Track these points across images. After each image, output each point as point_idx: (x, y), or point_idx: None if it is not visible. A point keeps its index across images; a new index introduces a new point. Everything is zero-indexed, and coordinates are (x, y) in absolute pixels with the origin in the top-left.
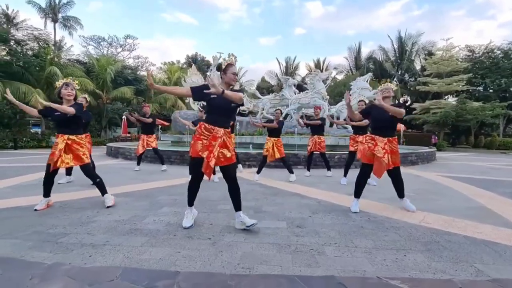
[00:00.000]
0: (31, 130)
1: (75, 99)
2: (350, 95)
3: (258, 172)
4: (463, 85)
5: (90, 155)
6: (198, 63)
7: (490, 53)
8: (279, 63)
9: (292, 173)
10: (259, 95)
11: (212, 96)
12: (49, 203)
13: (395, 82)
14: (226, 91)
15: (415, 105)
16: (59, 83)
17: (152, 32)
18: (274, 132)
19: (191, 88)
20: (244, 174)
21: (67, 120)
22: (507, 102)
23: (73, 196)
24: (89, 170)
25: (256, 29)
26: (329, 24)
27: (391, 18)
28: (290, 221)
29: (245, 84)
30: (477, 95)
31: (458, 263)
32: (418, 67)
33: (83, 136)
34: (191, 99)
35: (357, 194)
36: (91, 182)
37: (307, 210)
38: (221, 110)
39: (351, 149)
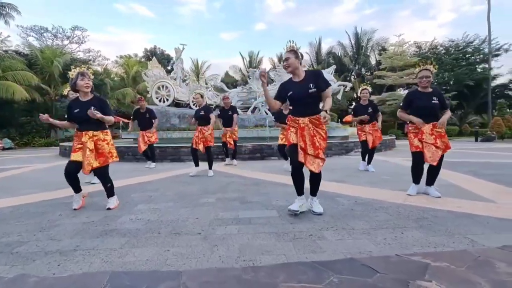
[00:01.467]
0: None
1: (92, 91)
2: None
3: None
4: (414, 78)
5: None
6: (157, 56)
7: (434, 49)
8: (242, 57)
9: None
10: (226, 88)
11: (290, 93)
12: (84, 195)
13: (353, 76)
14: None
15: (373, 97)
16: (72, 73)
17: (104, 24)
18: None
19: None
20: (220, 167)
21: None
22: (451, 94)
23: (27, 200)
24: (105, 172)
25: (217, 23)
26: (289, 20)
27: (346, 16)
28: (280, 209)
29: (209, 78)
30: None
31: (452, 236)
32: (373, 61)
33: (107, 131)
34: (153, 93)
35: (416, 180)
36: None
37: (292, 198)
38: (299, 99)
39: (362, 138)
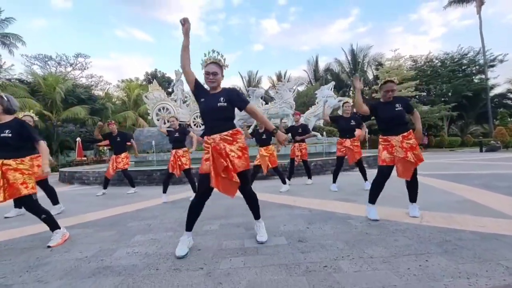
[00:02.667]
0: None
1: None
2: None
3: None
4: (412, 91)
5: (46, 180)
6: (158, 79)
7: (430, 62)
8: (241, 77)
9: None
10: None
11: (201, 100)
12: None
13: (352, 92)
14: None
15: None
16: None
17: (106, 50)
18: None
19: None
20: None
21: (7, 139)
22: (450, 105)
23: (16, 234)
24: (32, 202)
25: (215, 46)
26: (285, 40)
27: (340, 34)
28: (288, 235)
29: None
30: (424, 100)
31: (484, 263)
32: (371, 76)
33: (27, 159)
34: (154, 115)
35: (373, 200)
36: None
37: (302, 221)
38: (209, 113)
39: (339, 154)
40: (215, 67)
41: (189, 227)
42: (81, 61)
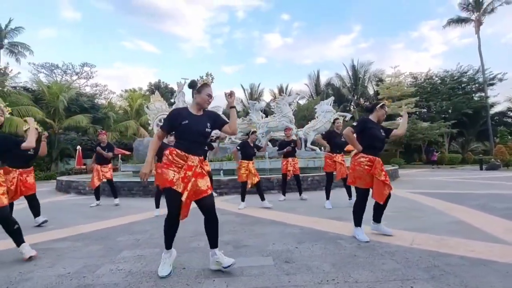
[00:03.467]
0: None
1: (1, 126)
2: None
3: (242, 200)
4: (412, 108)
5: (34, 194)
6: (161, 90)
7: (430, 79)
8: (243, 90)
9: (264, 199)
10: (227, 120)
11: (183, 122)
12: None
13: (352, 106)
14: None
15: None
16: None
17: (112, 60)
18: (251, 156)
19: (162, 128)
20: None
21: None
22: (450, 122)
23: (1, 246)
24: (3, 214)
25: (219, 58)
26: (288, 54)
27: (342, 49)
28: (276, 256)
29: (211, 110)
30: (425, 116)
31: None
32: (371, 92)
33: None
34: (155, 125)
35: (359, 222)
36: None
37: (292, 240)
38: (194, 135)
39: (329, 169)
40: (211, 90)
41: (168, 245)
42: (86, 70)
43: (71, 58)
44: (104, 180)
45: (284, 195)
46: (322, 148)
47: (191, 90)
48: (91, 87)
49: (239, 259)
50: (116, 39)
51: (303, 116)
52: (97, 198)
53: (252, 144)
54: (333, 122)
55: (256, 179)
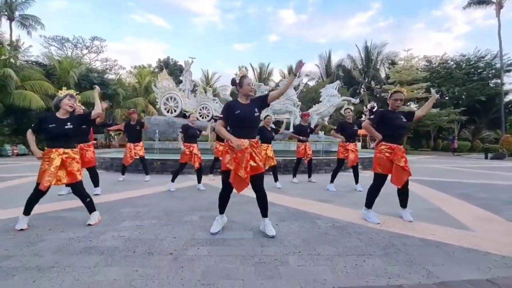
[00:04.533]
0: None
1: (73, 111)
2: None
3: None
4: (423, 93)
5: (95, 166)
6: (170, 67)
7: (444, 64)
8: (253, 69)
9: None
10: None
11: (236, 112)
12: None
13: (363, 89)
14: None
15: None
16: (61, 93)
17: (122, 34)
18: (269, 139)
19: (223, 119)
20: (214, 182)
21: (64, 132)
22: (460, 109)
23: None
24: (80, 188)
25: (230, 34)
26: (302, 32)
27: (359, 28)
28: (256, 231)
29: (219, 89)
30: (436, 102)
31: (412, 266)
32: (383, 75)
33: (77, 149)
34: (162, 104)
35: (370, 204)
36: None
37: (275, 218)
38: (245, 122)
39: (341, 156)
40: (250, 79)
41: (221, 210)
42: (97, 44)
43: (81, 31)
44: (137, 157)
45: (295, 176)
46: (322, 132)
47: (232, 84)
48: (101, 61)
49: (225, 232)
50: (126, 12)
51: (311, 98)
52: (123, 173)
53: (269, 128)
54: (344, 111)
55: (273, 163)
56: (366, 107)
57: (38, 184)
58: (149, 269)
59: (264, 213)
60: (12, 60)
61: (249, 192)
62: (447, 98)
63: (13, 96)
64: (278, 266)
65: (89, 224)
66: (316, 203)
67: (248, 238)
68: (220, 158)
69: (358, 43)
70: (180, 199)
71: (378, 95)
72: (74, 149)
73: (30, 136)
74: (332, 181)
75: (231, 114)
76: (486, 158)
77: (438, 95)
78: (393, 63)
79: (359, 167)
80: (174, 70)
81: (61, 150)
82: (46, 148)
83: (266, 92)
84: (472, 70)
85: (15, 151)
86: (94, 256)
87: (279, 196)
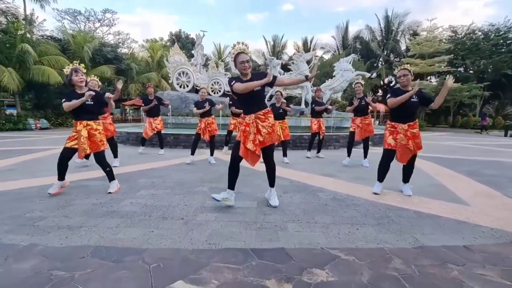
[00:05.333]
0: (6, 112)
1: (86, 84)
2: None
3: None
4: (444, 66)
5: (114, 136)
6: (182, 40)
7: (471, 34)
8: (266, 41)
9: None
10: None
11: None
12: (64, 185)
13: (381, 62)
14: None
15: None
16: (66, 70)
17: (132, 6)
18: (280, 115)
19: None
20: (228, 155)
21: (86, 107)
22: (483, 84)
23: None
24: (102, 158)
25: (243, 4)
26: (318, 0)
27: None
28: (260, 201)
29: (231, 63)
30: (457, 75)
31: (401, 235)
32: (403, 47)
33: (100, 121)
34: (174, 79)
35: (381, 178)
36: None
37: (279, 190)
38: (246, 98)
39: (352, 129)
40: (246, 56)
41: (231, 186)
42: (108, 17)
43: (92, 3)
44: (156, 131)
45: (310, 150)
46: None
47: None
48: (113, 35)
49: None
50: None
51: (325, 72)
52: (143, 144)
53: (278, 105)
54: (353, 86)
55: (283, 138)
56: (383, 81)
57: (65, 148)
58: (163, 230)
59: (271, 183)
60: (28, 35)
61: (258, 165)
62: (471, 71)
63: (32, 72)
64: (278, 231)
65: (109, 192)
66: (320, 177)
67: (252, 207)
68: (234, 132)
69: (378, 12)
70: (192, 172)
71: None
72: (96, 121)
73: (67, 104)
74: (348, 155)
75: (232, 92)
76: (505, 135)
77: (453, 80)
78: (414, 34)
79: (369, 143)
80: (186, 44)
81: (85, 122)
82: (74, 121)
83: (278, 68)
84: (501, 41)
85: (38, 125)
86: (115, 219)
87: (285, 170)
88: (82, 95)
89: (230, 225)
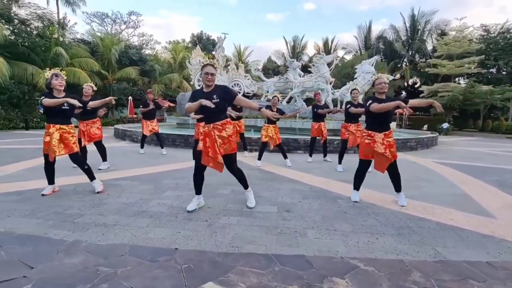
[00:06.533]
0: (40, 111)
1: (65, 90)
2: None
3: (259, 159)
4: (474, 67)
5: (101, 140)
6: (203, 42)
7: (506, 33)
8: (286, 42)
9: (287, 158)
10: (263, 77)
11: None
12: (54, 190)
13: (405, 63)
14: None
15: (423, 87)
16: (47, 75)
17: (156, 8)
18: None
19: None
20: (247, 159)
21: (61, 111)
22: None
23: (85, 179)
24: (77, 158)
25: (263, 4)
26: None
27: None
28: (281, 206)
29: (251, 64)
30: (489, 77)
31: (422, 246)
32: (429, 47)
33: (73, 125)
34: (196, 80)
35: (357, 187)
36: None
37: (298, 196)
38: (204, 109)
39: (344, 137)
40: (212, 69)
41: (198, 192)
42: (133, 19)
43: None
44: (153, 132)
45: (311, 156)
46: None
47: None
48: (138, 37)
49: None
50: None
51: (346, 74)
52: (142, 146)
53: (274, 109)
54: (350, 93)
55: (277, 142)
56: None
57: (45, 155)
58: (189, 231)
59: (244, 186)
60: (61, 38)
61: (275, 169)
62: (504, 73)
63: (64, 73)
64: (297, 237)
65: (98, 192)
66: (338, 183)
67: (272, 212)
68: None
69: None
70: (214, 174)
71: (422, 70)
72: (70, 125)
73: (48, 101)
74: (339, 162)
75: (192, 102)
76: None
77: (440, 109)
78: (442, 34)
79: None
80: (207, 45)
81: (58, 126)
82: (45, 123)
83: (298, 70)
84: None
85: None
86: (145, 218)
87: (304, 175)
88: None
89: (251, 229)
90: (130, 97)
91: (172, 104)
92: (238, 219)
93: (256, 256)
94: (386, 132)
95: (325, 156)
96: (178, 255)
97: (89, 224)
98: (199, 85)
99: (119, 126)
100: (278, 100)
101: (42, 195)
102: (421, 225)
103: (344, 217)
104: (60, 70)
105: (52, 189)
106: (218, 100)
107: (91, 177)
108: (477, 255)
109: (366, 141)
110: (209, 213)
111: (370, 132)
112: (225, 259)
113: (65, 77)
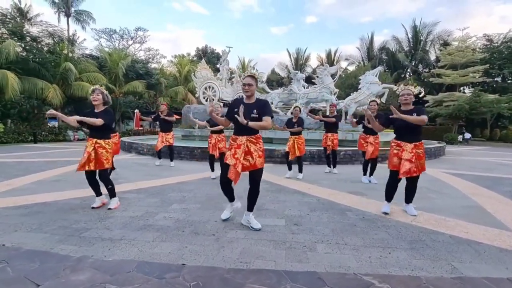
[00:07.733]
0: (49, 124)
1: (105, 103)
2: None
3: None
4: (479, 77)
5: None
6: (208, 55)
7: (509, 42)
8: (289, 54)
9: (301, 172)
10: (268, 89)
11: (235, 109)
12: (103, 201)
13: (408, 73)
14: (250, 123)
15: (428, 97)
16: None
17: (163, 23)
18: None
19: (226, 116)
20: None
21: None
22: None
23: (91, 193)
24: (106, 175)
25: (267, 17)
26: (343, 12)
27: (409, 2)
28: (288, 219)
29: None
30: (494, 86)
31: (437, 261)
32: (432, 57)
33: (110, 140)
34: (201, 93)
35: (388, 198)
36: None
37: (306, 208)
38: (237, 121)
39: (362, 148)
40: (249, 79)
41: (231, 199)
42: (140, 34)
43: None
44: (166, 144)
45: (329, 166)
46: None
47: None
48: (144, 51)
49: (259, 219)
50: (167, 0)
51: (350, 84)
52: (159, 157)
53: (295, 120)
54: (369, 104)
55: (296, 153)
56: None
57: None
58: (196, 246)
59: (250, 207)
60: (70, 54)
61: (281, 181)
62: (509, 81)
63: (73, 87)
64: (307, 252)
65: (109, 208)
66: (346, 195)
67: (280, 225)
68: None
69: (405, 23)
70: (218, 187)
71: (426, 80)
72: (106, 140)
73: (72, 120)
74: (364, 173)
75: (230, 111)
76: None
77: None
78: (445, 44)
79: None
80: (212, 58)
81: (94, 140)
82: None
83: (302, 82)
84: None
85: (76, 137)
86: (152, 232)
87: (311, 187)
88: (95, 114)
89: (259, 243)
90: (136, 110)
91: (178, 117)
92: (245, 233)
93: (266, 273)
94: (417, 143)
95: (334, 167)
96: (186, 271)
97: (95, 239)
98: (204, 97)
99: (126, 139)
100: (300, 111)
101: (92, 207)
102: (434, 239)
103: (354, 231)
104: (100, 86)
105: (101, 201)
106: (257, 115)
107: (112, 195)
108: (496, 271)
109: (395, 151)
110: (216, 227)
111: (399, 142)
112: (235, 275)
113: (104, 90)
